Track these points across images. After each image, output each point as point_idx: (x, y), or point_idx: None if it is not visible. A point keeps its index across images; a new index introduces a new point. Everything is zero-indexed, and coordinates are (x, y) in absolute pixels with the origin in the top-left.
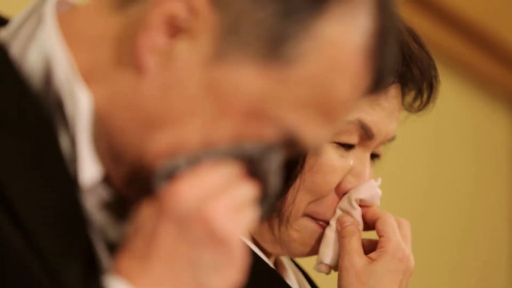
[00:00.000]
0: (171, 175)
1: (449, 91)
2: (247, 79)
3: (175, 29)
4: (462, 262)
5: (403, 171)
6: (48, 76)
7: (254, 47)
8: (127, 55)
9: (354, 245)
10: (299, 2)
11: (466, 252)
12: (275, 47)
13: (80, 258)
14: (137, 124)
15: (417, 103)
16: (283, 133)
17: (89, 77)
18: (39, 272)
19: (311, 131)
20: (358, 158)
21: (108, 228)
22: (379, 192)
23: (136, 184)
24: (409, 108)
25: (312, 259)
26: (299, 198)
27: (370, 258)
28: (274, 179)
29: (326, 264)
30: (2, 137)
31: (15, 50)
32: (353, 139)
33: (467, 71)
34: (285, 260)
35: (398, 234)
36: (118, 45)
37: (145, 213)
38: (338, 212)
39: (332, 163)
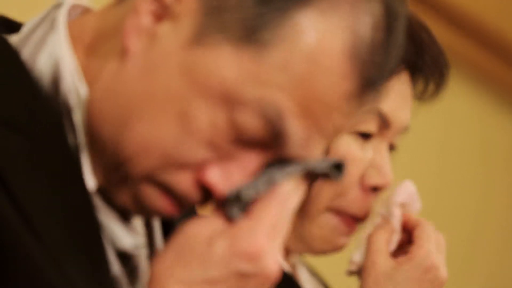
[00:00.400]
0: (241, 200)
1: (457, 90)
2: (223, 61)
3: (160, 13)
4: (471, 263)
5: (411, 170)
6: (56, 82)
7: (231, 29)
8: (118, 43)
9: (380, 246)
10: None
11: (475, 252)
12: (251, 30)
13: (89, 260)
14: (116, 110)
15: (429, 91)
16: (264, 119)
17: (92, 79)
18: (50, 271)
19: (294, 122)
20: (377, 149)
21: (119, 236)
22: (415, 191)
23: (117, 186)
24: (420, 97)
25: (332, 263)
26: (321, 192)
27: (397, 262)
28: None
29: (353, 262)
30: (12, 139)
31: (25, 54)
32: (371, 127)
33: (474, 71)
34: (300, 265)
35: (432, 243)
36: (114, 36)
37: (218, 251)
38: (377, 219)
39: (352, 154)
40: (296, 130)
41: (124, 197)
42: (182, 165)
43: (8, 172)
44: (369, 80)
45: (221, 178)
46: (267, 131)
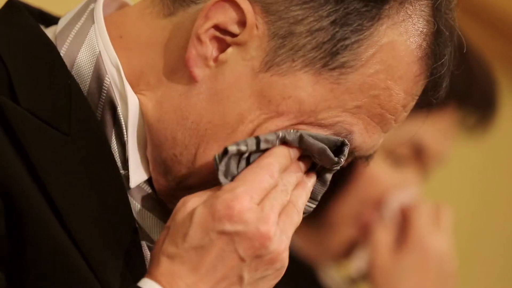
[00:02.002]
0: (229, 168)
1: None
2: (301, 87)
3: (223, 40)
4: None
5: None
6: (99, 78)
7: (310, 56)
8: (180, 64)
9: (379, 245)
10: (357, 10)
11: None
12: (332, 56)
13: (122, 257)
14: (187, 134)
15: (477, 124)
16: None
17: (137, 81)
18: (84, 268)
19: (365, 137)
20: (407, 174)
21: (157, 231)
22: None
23: (180, 194)
24: (468, 129)
25: None
26: (344, 206)
27: (396, 256)
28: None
29: (356, 269)
30: (50, 134)
31: (64, 49)
32: (403, 151)
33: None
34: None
35: (425, 227)
36: (166, 51)
37: (197, 219)
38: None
39: (379, 174)
40: (362, 143)
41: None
42: None
43: (45, 168)
44: (437, 76)
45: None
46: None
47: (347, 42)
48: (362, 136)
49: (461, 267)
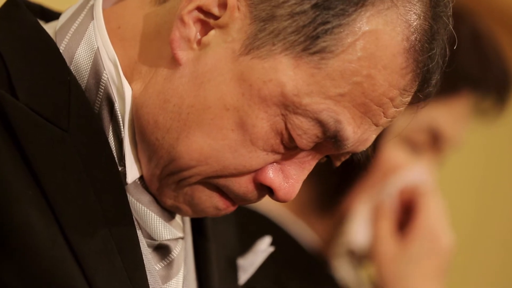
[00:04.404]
0: None
1: None
2: (281, 70)
3: (207, 23)
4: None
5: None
6: (96, 73)
7: (290, 39)
8: (167, 48)
9: (383, 234)
10: None
11: None
12: (312, 40)
13: (119, 254)
14: (169, 119)
15: (492, 109)
16: (321, 127)
17: (132, 72)
18: (75, 267)
19: (353, 127)
20: (423, 161)
21: (158, 229)
22: (422, 173)
23: (169, 187)
24: (483, 114)
25: None
26: (359, 197)
27: (402, 244)
28: None
29: (356, 244)
30: (49, 130)
31: (63, 44)
32: (421, 139)
33: None
34: (345, 263)
35: (431, 216)
36: (158, 37)
37: None
38: (374, 200)
39: (396, 164)
40: (352, 133)
41: (176, 199)
42: (241, 173)
43: (42, 164)
44: (424, 71)
45: (280, 177)
46: (324, 135)
47: (328, 26)
48: (351, 125)
49: (463, 257)
